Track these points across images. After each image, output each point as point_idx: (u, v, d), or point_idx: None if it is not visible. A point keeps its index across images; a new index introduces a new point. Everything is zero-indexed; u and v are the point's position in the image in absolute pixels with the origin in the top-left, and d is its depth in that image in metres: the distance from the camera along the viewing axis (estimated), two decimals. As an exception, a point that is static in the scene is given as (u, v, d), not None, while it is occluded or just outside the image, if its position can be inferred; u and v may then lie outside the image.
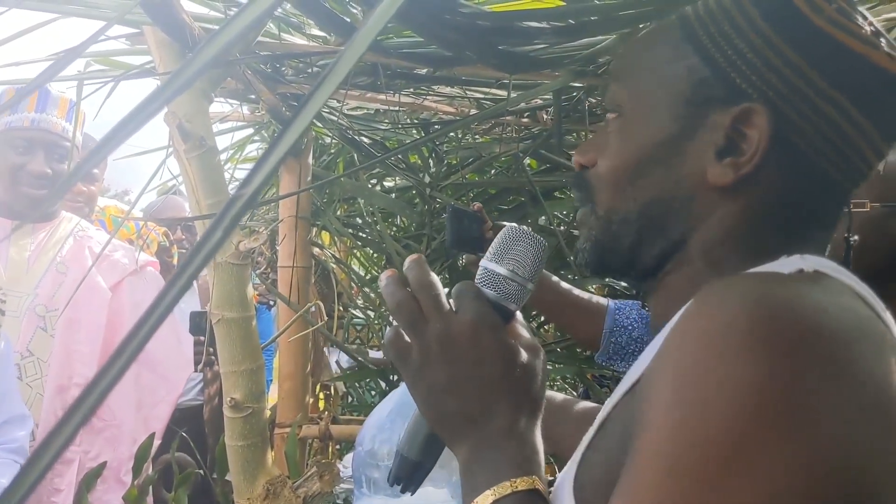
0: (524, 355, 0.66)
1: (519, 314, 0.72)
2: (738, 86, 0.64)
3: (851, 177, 0.65)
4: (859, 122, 0.62)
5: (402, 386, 1.22)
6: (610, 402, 0.67)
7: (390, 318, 0.69)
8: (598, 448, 0.65)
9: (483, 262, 0.72)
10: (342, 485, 2.21)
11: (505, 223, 1.55)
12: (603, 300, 1.58)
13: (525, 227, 0.73)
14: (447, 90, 1.90)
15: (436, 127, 2.18)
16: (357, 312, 3.59)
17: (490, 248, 0.72)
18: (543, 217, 2.50)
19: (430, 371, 0.65)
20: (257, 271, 3.42)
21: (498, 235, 0.73)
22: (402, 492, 0.75)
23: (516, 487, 0.60)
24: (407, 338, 0.67)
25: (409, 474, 0.73)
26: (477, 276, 0.72)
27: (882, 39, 0.63)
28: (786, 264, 0.60)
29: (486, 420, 0.64)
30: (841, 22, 0.62)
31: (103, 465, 1.74)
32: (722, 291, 0.54)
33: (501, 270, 0.70)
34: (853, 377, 0.50)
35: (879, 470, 0.49)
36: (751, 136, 0.63)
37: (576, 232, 2.86)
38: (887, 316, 0.58)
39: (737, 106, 0.63)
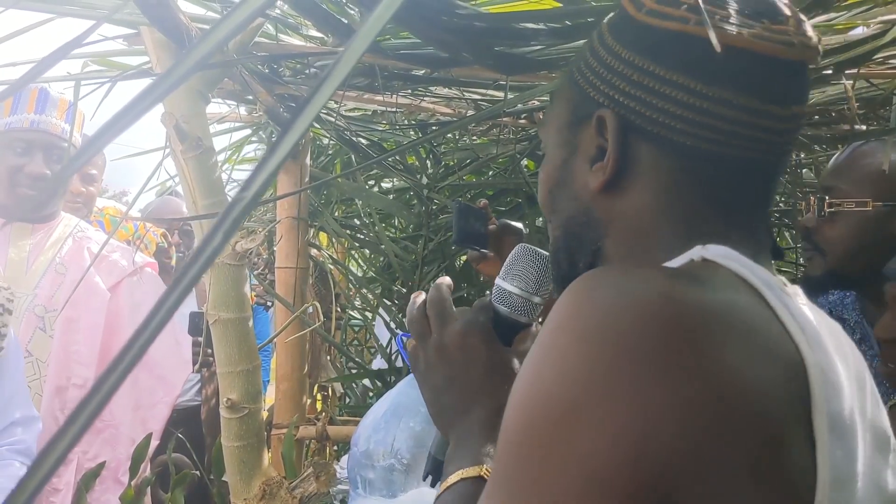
0: (512, 363, 0.77)
1: (536, 326, 0.81)
2: (593, 99, 0.70)
3: (747, 149, 0.65)
4: (709, 93, 0.64)
5: (398, 387, 1.22)
6: None
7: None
8: None
9: (496, 281, 0.81)
10: (339, 486, 2.21)
11: (509, 220, 1.56)
12: None
13: (531, 246, 0.81)
14: (444, 91, 1.90)
15: (433, 128, 2.18)
16: (354, 314, 3.59)
17: (503, 268, 0.81)
18: (540, 218, 2.51)
19: (431, 374, 0.78)
20: (255, 272, 3.42)
21: (509, 256, 0.81)
22: (432, 485, 0.84)
23: (463, 475, 0.70)
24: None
25: (435, 469, 0.83)
26: (493, 294, 0.81)
27: (692, 14, 0.64)
28: (683, 257, 0.63)
29: (468, 412, 0.75)
30: (658, 10, 0.65)
31: (102, 466, 1.74)
32: (573, 285, 0.57)
33: (508, 287, 0.79)
34: (676, 370, 0.50)
35: (695, 464, 0.49)
36: (608, 138, 0.68)
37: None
38: (787, 303, 0.58)
39: (592, 118, 0.69)
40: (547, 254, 0.79)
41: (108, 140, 0.40)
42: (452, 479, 0.71)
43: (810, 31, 0.66)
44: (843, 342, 0.65)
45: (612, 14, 0.72)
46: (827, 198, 1.42)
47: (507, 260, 0.81)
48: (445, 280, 0.83)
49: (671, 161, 0.67)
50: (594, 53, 0.71)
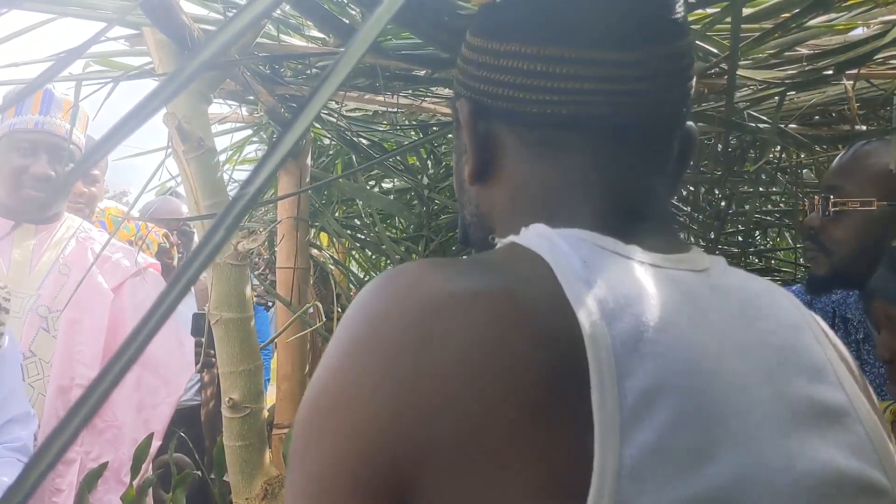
0: None
1: None
2: (457, 93, 0.70)
3: (600, 106, 0.61)
4: (539, 53, 0.61)
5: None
6: None
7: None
8: None
9: None
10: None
11: None
12: None
13: None
14: (446, 92, 1.91)
15: (434, 129, 2.18)
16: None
17: None
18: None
19: None
20: (256, 272, 3.42)
21: None
22: None
23: None
24: None
25: None
26: None
27: None
28: (504, 242, 0.63)
29: None
30: None
31: (104, 466, 1.74)
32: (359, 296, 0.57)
33: None
34: (411, 351, 0.50)
35: (432, 454, 0.48)
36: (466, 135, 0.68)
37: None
38: (595, 278, 0.54)
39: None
40: None
41: (115, 144, 0.40)
42: None
43: None
44: (759, 315, 0.60)
45: None
46: (832, 197, 1.42)
47: None
48: None
49: (527, 137, 0.65)
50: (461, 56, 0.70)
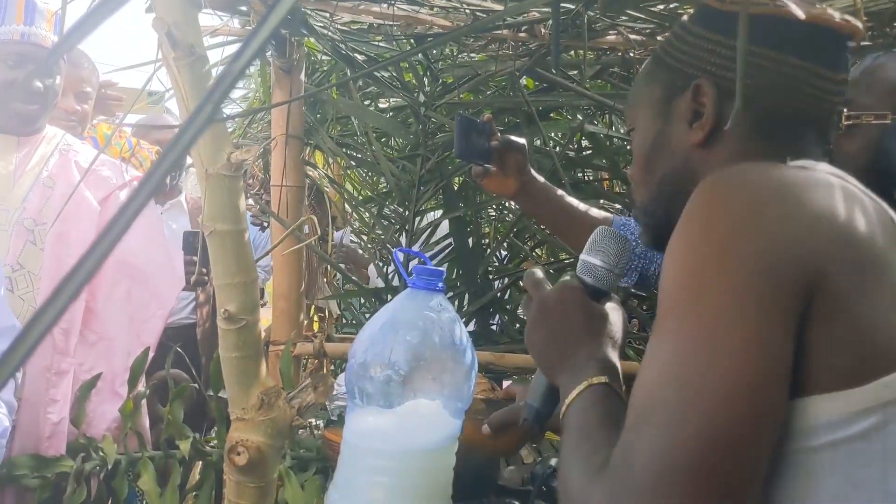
0: (604, 310, 0.92)
1: (614, 297, 0.97)
2: (687, 73, 0.89)
3: (806, 103, 0.85)
4: (779, 58, 0.83)
5: (395, 300, 1.22)
6: None
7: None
8: None
9: (581, 256, 0.97)
10: (337, 402, 2.24)
11: (512, 136, 1.54)
12: (608, 215, 1.57)
13: (610, 228, 0.98)
14: (442, 2, 1.85)
15: (429, 40, 2.13)
16: (351, 235, 3.59)
17: (586, 245, 0.97)
18: (538, 139, 2.48)
19: (536, 331, 0.92)
20: (251, 192, 3.40)
21: (591, 235, 0.97)
22: (531, 431, 1.16)
23: (591, 382, 0.82)
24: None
25: (534, 418, 1.00)
26: (578, 267, 0.97)
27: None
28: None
29: (576, 353, 0.87)
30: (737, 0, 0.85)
31: (98, 377, 1.75)
32: (702, 184, 0.73)
33: (593, 261, 0.95)
34: (795, 202, 0.68)
35: (826, 259, 0.66)
36: (705, 100, 0.87)
37: (572, 154, 2.84)
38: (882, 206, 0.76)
39: (689, 87, 0.88)
40: (624, 236, 0.96)
41: (85, 34, 0.38)
42: (580, 387, 0.82)
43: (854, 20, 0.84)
44: None
45: (693, 11, 0.93)
46: (844, 111, 1.39)
47: (590, 239, 0.97)
48: (538, 269, 0.99)
49: (751, 115, 0.84)
50: (681, 39, 0.91)
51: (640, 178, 0.96)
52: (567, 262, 2.72)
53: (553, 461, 1.45)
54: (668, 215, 0.85)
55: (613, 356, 0.88)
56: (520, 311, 1.00)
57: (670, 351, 0.66)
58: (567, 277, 0.96)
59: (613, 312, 0.93)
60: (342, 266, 3.04)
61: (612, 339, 0.90)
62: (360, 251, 3.61)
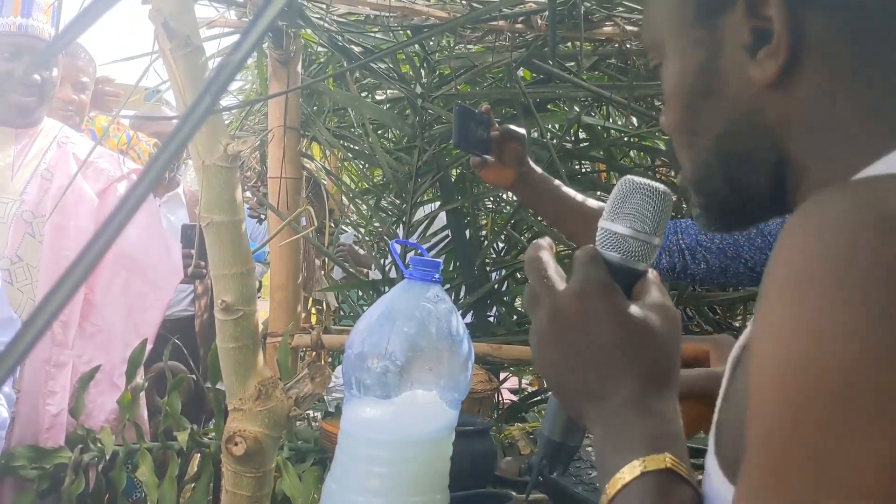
0: (648, 318, 0.61)
1: (652, 272, 0.67)
2: None
3: None
4: None
5: (392, 291, 1.22)
6: (739, 342, 0.62)
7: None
8: (730, 398, 0.60)
9: (600, 223, 0.67)
10: (334, 394, 2.25)
11: (511, 126, 1.53)
12: None
13: (638, 178, 0.67)
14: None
15: (425, 30, 2.13)
16: (348, 228, 3.59)
17: (607, 206, 0.67)
18: (535, 130, 2.48)
19: (546, 350, 0.63)
20: (248, 184, 3.40)
21: (613, 191, 0.68)
22: (550, 472, 0.75)
23: (645, 468, 0.55)
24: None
25: (553, 454, 0.72)
26: (597, 239, 0.67)
27: None
28: (888, 160, 0.51)
29: (607, 394, 0.60)
30: None
31: (96, 369, 1.75)
32: (817, 215, 0.46)
33: (620, 229, 0.66)
34: None
35: None
36: (771, 15, 0.54)
37: (569, 145, 2.84)
38: None
39: None
40: (662, 186, 0.66)
41: (84, 27, 0.38)
42: (627, 474, 0.56)
43: None
44: None
45: None
46: None
47: (612, 198, 0.67)
48: (543, 240, 0.69)
49: (851, 32, 0.54)
50: None
51: (683, 138, 0.64)
52: (565, 253, 2.72)
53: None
54: (734, 188, 0.61)
55: (668, 399, 0.60)
56: (521, 304, 0.73)
57: None
58: (583, 256, 0.65)
59: (659, 316, 0.62)
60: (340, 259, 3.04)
61: (664, 367, 0.61)
62: (362, 251, 3.61)
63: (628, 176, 0.68)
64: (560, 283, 0.64)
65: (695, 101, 0.61)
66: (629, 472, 0.56)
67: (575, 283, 0.63)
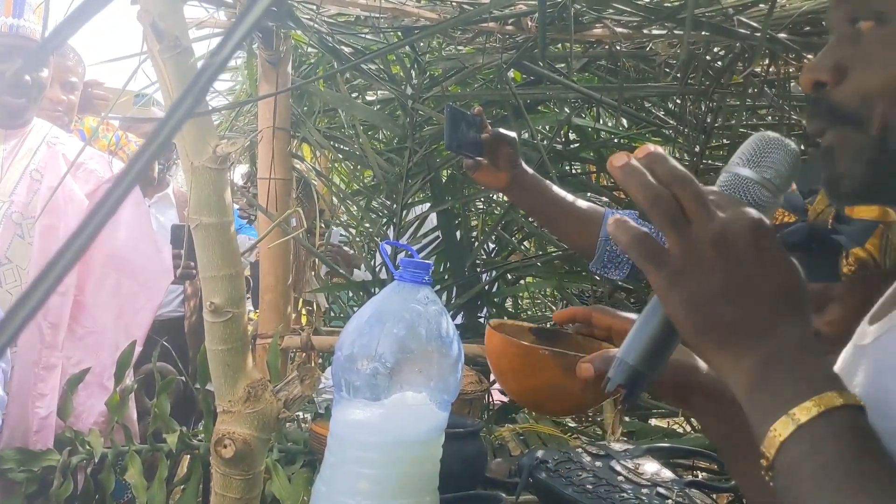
0: (801, 272, 0.59)
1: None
2: None
3: None
4: None
5: (381, 293, 1.22)
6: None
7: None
8: None
9: (731, 169, 0.66)
10: (324, 395, 2.24)
11: (502, 130, 1.54)
12: (599, 208, 1.57)
13: (774, 134, 0.66)
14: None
15: (415, 32, 2.13)
16: (339, 229, 3.59)
17: (739, 154, 0.66)
18: (526, 132, 2.48)
19: (701, 275, 0.58)
20: (238, 186, 3.39)
21: (748, 142, 0.67)
22: (624, 401, 0.69)
23: (845, 401, 0.52)
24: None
25: (631, 381, 0.67)
26: (720, 182, 0.65)
27: None
28: None
29: (779, 332, 0.56)
30: None
31: (86, 371, 1.75)
32: None
33: (757, 177, 0.64)
34: None
35: None
36: None
37: (559, 146, 2.84)
38: None
39: None
40: (792, 145, 0.65)
41: (74, 28, 0.38)
42: (804, 412, 0.52)
43: None
44: None
45: None
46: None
47: (749, 147, 0.66)
48: (661, 151, 0.62)
49: None
50: None
51: (891, 93, 0.60)
52: (555, 255, 2.73)
53: (540, 453, 1.46)
54: (877, 181, 0.61)
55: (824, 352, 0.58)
56: (635, 235, 0.61)
57: None
58: (726, 196, 0.62)
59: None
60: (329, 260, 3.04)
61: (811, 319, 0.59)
62: (352, 251, 3.61)
63: (766, 132, 0.67)
64: (727, 208, 0.59)
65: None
66: (826, 401, 0.52)
67: (746, 216, 0.58)
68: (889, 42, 0.61)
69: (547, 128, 2.74)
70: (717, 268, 0.57)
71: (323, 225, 3.06)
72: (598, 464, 1.39)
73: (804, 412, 0.51)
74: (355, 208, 2.95)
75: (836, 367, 0.60)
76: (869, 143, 0.61)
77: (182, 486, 1.65)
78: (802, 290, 0.58)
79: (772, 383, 0.55)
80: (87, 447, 1.65)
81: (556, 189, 1.56)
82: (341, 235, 3.66)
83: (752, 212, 0.59)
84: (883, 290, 0.69)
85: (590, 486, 1.31)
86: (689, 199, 0.58)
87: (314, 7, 1.96)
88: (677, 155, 2.93)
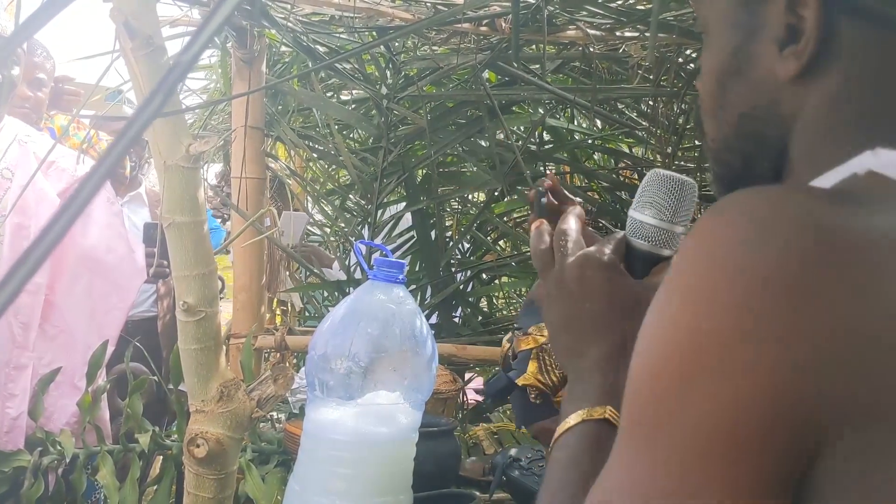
0: (641, 294, 0.68)
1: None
2: None
3: None
4: None
5: (355, 292, 1.22)
6: None
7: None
8: None
9: (630, 213, 0.75)
10: (298, 395, 2.24)
11: None
12: None
13: (663, 171, 0.74)
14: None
15: (390, 32, 2.13)
16: (314, 229, 3.58)
17: (635, 197, 0.75)
18: (501, 132, 2.49)
19: (551, 310, 0.73)
20: (211, 185, 3.37)
21: (642, 182, 0.75)
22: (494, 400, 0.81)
23: (588, 416, 0.64)
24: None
25: (508, 391, 0.82)
26: (627, 228, 0.75)
27: None
28: (847, 167, 0.54)
29: (584, 353, 0.69)
30: None
31: (57, 371, 1.73)
32: (706, 215, 0.50)
33: (642, 218, 0.73)
34: (821, 304, 0.43)
35: (846, 411, 0.43)
36: (806, 16, 0.56)
37: (533, 147, 2.85)
38: None
39: None
40: (683, 178, 0.73)
41: (42, 23, 0.38)
42: (573, 419, 0.65)
43: None
44: None
45: None
46: None
47: (640, 188, 0.74)
48: (577, 209, 0.77)
49: (877, 52, 0.56)
50: None
51: (710, 107, 0.67)
52: (529, 254, 2.74)
53: (513, 451, 1.47)
54: (746, 166, 0.65)
55: None
56: (531, 228, 0.77)
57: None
58: (609, 238, 0.74)
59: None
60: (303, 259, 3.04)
61: None
62: (326, 249, 3.60)
63: (654, 169, 0.75)
64: (573, 253, 0.72)
65: (726, 78, 0.64)
66: (574, 418, 0.65)
67: (581, 255, 0.72)
68: (705, 57, 0.67)
69: (521, 128, 2.75)
70: (556, 302, 0.72)
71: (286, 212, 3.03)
72: (570, 462, 1.39)
73: (575, 418, 0.65)
74: (330, 208, 2.95)
75: None
76: (711, 157, 0.69)
77: (155, 487, 1.64)
78: (618, 313, 0.69)
79: (572, 395, 0.68)
80: (59, 448, 1.63)
81: None
82: (306, 233, 3.65)
83: (587, 251, 0.72)
84: None
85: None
86: (556, 249, 0.74)
87: (288, 6, 1.95)
88: (650, 156, 2.96)
